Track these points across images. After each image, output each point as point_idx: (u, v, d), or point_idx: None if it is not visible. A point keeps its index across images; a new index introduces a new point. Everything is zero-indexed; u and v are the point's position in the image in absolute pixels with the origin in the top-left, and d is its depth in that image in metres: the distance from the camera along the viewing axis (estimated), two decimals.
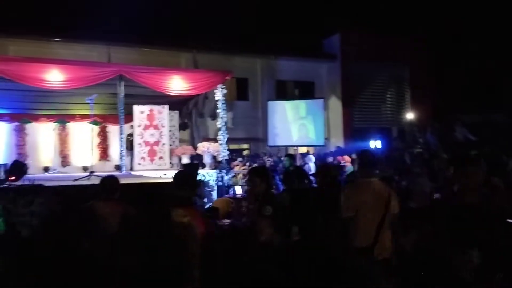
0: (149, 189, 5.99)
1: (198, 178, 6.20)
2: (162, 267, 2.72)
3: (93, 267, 2.97)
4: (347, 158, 10.15)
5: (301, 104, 13.36)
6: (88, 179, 6.82)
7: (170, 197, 3.47)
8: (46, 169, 11.96)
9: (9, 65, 8.49)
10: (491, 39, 19.58)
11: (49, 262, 2.98)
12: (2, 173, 6.17)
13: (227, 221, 5.77)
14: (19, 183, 5.46)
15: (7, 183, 5.40)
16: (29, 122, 11.90)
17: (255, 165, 10.68)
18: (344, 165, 10.45)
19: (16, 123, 11.79)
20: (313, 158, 11.00)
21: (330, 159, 11.06)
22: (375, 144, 9.98)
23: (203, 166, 10.50)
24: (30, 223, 4.49)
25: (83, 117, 12.40)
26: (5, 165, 7.46)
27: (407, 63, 19.37)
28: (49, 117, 12.18)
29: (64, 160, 12.31)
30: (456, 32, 19.54)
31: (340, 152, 12.80)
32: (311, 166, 10.22)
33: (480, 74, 18.87)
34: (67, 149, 12.38)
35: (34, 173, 10.88)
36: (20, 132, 11.81)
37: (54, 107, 11.88)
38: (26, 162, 6.70)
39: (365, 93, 19.11)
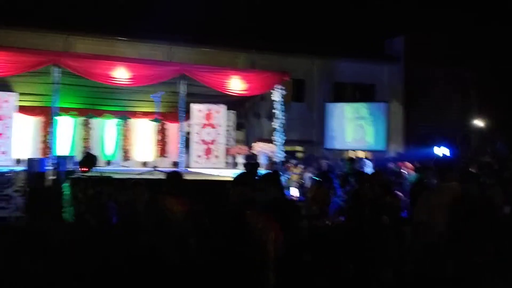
0: (209, 186, 6.03)
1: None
2: (236, 268, 2.68)
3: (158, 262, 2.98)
4: (408, 165, 9.71)
5: (362, 106, 12.98)
6: (151, 173, 6.99)
7: (244, 199, 3.44)
8: (108, 163, 12.44)
9: (79, 61, 8.90)
10: None
11: (115, 256, 3.02)
12: (71, 164, 6.46)
13: None
14: (89, 174, 5.70)
15: (79, 173, 5.64)
16: (94, 117, 12.41)
17: (310, 168, 10.51)
18: (403, 172, 10.00)
19: (82, 118, 12.33)
20: (369, 163, 10.59)
21: (390, 165, 10.65)
22: (442, 151, 9.45)
23: (258, 166, 10.46)
24: (98, 213, 4.63)
25: (144, 114, 12.78)
26: (72, 157, 7.85)
27: (475, 68, 18.34)
28: (112, 113, 12.65)
29: (125, 155, 12.73)
30: None
31: (400, 158, 12.30)
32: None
33: None
34: (128, 144, 12.80)
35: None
36: (85, 127, 12.35)
37: (117, 103, 12.33)
38: (96, 155, 6.96)
39: (428, 97, 18.29)
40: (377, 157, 14.23)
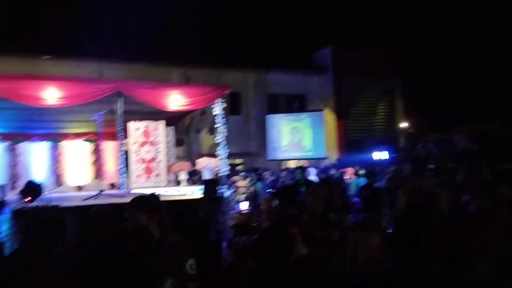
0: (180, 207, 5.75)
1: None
2: None
3: None
4: (350, 170, 10.03)
5: (300, 116, 13.27)
6: (97, 198, 6.56)
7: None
8: None
9: (3, 83, 8.20)
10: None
11: None
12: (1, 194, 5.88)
13: (244, 238, 5.59)
14: (34, 204, 5.16)
15: (21, 204, 5.11)
16: (21, 141, 11.54)
17: (255, 181, 10.51)
18: (345, 178, 10.34)
19: (8, 143, 11.43)
20: (312, 171, 10.84)
21: (332, 171, 10.94)
22: (380, 155, 9.90)
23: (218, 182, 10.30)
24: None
25: (77, 135, 12.12)
26: (2, 186, 7.17)
27: (398, 75, 19.58)
28: (42, 136, 11.84)
29: (58, 180, 11.95)
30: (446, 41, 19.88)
31: (340, 164, 12.72)
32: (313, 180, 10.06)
33: (470, 83, 19.21)
34: (61, 169, 12.04)
35: None
36: (12, 152, 11.44)
37: (47, 125, 11.57)
38: (40, 182, 6.38)
39: (357, 105, 19.24)
40: (317, 165, 14.65)
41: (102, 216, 3.86)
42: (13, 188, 11.45)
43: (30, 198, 5.23)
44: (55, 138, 11.96)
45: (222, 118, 10.59)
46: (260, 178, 9.36)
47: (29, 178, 8.06)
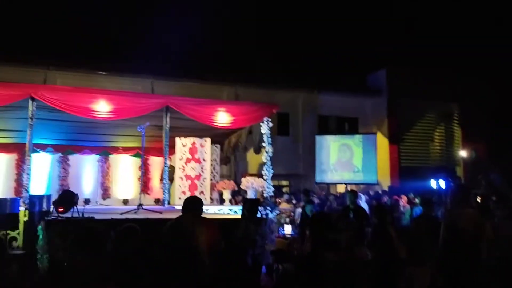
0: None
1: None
2: None
3: None
4: (404, 198, 9.36)
5: (351, 138, 12.69)
6: (136, 212, 6.43)
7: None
8: (87, 202, 11.77)
9: (57, 94, 8.41)
10: None
11: None
12: (46, 204, 5.85)
13: (287, 265, 5.17)
14: (68, 215, 5.05)
15: (55, 214, 5.01)
16: (72, 153, 11.82)
17: (305, 203, 10.04)
18: (399, 206, 9.65)
19: (59, 154, 11.74)
20: (364, 197, 10.19)
21: (385, 198, 10.29)
22: (438, 183, 9.19)
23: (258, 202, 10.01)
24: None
25: (126, 149, 12.26)
26: (49, 196, 7.22)
27: (456, 100, 18.56)
28: (92, 149, 12.09)
29: (105, 193, 12.10)
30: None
31: (393, 192, 11.96)
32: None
33: None
34: (109, 182, 12.20)
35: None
36: (63, 164, 11.73)
37: (97, 138, 11.80)
38: (76, 193, 6.34)
39: (412, 130, 18.31)
40: (367, 190, 13.93)
41: (130, 231, 3.65)
42: None
43: (63, 209, 5.10)
44: (105, 151, 12.15)
45: (269, 137, 10.32)
46: (310, 201, 8.90)
47: (67, 189, 8.03)
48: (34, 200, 6.45)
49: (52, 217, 4.99)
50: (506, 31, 19.44)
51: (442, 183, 8.98)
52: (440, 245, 4.46)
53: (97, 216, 5.28)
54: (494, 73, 18.48)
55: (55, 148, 11.69)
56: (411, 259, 4.93)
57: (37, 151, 11.36)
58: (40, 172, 11.35)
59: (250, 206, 5.43)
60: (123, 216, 5.84)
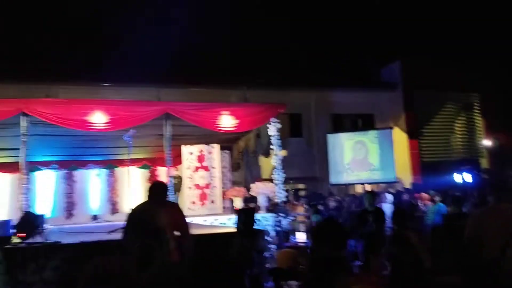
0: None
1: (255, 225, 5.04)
2: None
3: None
4: (425, 196, 8.64)
5: (366, 134, 11.96)
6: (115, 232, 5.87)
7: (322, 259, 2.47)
8: (94, 218, 11.39)
9: (49, 108, 8.02)
10: None
11: None
12: (4, 230, 5.26)
13: (294, 283, 4.55)
14: (29, 241, 4.37)
15: (16, 241, 4.41)
16: (77, 168, 11.46)
17: (312, 212, 9.40)
18: (419, 205, 8.92)
19: (64, 171, 11.38)
20: (390, 197, 9.39)
21: (405, 197, 9.56)
22: (463, 177, 8.45)
23: (258, 209, 9.44)
24: None
25: (133, 161, 11.83)
26: (7, 221, 6.61)
27: (476, 89, 17.64)
28: (97, 163, 11.70)
29: (113, 207, 11.69)
30: None
31: (416, 189, 11.16)
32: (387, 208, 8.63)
33: None
34: (116, 196, 11.79)
35: (81, 222, 10.32)
36: (68, 180, 11.38)
37: (101, 152, 11.41)
38: (40, 214, 5.74)
39: (432, 123, 17.43)
40: (387, 189, 13.18)
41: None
42: (68, 216, 11.35)
43: (24, 234, 4.43)
44: (110, 164, 11.76)
45: (278, 139, 9.75)
46: (317, 210, 8.25)
47: (29, 211, 7.07)
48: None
49: (11, 244, 4.37)
50: None
51: (468, 177, 8.24)
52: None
53: (67, 239, 4.65)
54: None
55: (60, 165, 11.35)
56: (439, 267, 4.30)
57: (41, 169, 11.04)
58: (45, 190, 11.03)
59: (244, 217, 4.79)
60: (107, 237, 5.20)
